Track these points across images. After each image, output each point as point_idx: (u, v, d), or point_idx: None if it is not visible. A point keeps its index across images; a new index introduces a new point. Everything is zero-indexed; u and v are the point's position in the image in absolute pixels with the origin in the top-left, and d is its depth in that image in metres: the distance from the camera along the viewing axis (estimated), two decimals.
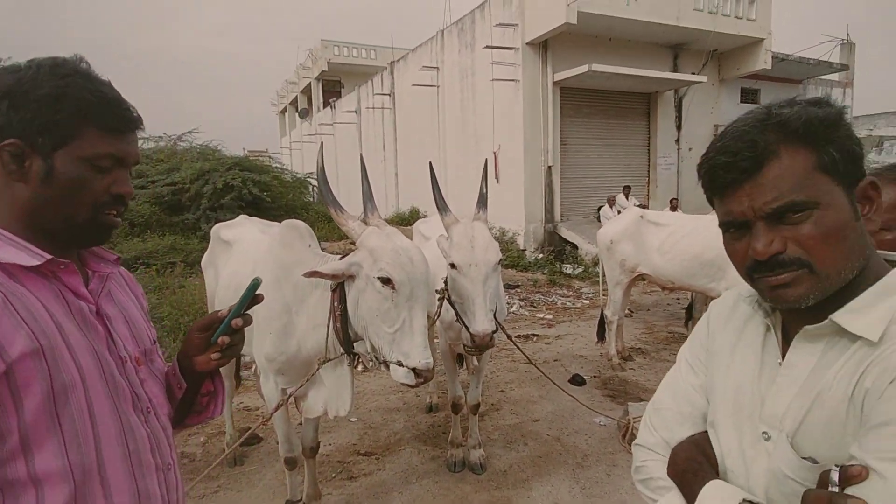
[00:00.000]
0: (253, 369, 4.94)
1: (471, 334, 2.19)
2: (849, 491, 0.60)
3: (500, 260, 2.26)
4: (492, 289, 2.19)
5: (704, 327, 0.91)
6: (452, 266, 2.24)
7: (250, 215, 3.38)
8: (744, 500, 0.70)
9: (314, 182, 18.89)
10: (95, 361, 0.81)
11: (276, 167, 15.48)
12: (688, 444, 0.83)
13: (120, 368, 0.85)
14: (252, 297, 0.95)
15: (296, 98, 26.92)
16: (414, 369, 1.72)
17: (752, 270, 0.72)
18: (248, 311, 0.97)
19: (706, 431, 0.84)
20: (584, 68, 9.56)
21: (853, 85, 15.73)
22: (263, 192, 11.41)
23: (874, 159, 17.48)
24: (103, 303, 0.89)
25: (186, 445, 3.50)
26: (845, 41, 14.86)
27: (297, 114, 26.37)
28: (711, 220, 2.50)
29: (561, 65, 10.23)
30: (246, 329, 2.56)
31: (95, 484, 0.79)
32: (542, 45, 10.24)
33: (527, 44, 10.12)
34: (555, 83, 10.36)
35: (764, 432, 0.74)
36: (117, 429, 0.83)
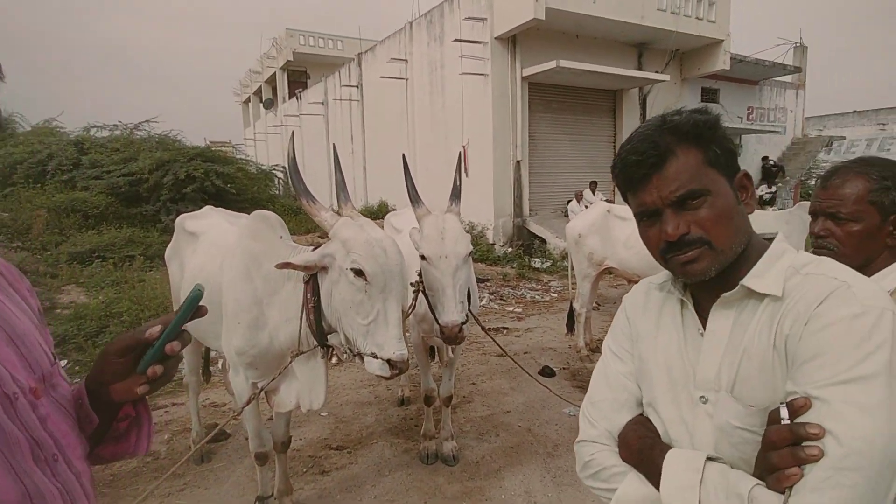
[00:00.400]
0: (219, 364, 4.82)
1: (440, 325, 2.19)
2: (799, 420, 0.68)
3: (471, 252, 2.27)
4: (462, 280, 2.19)
5: (623, 318, 1.00)
6: (423, 258, 2.23)
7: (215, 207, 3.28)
8: (708, 457, 0.76)
9: (280, 174, 18.54)
10: None
11: (241, 158, 15.08)
12: (634, 426, 0.89)
13: (9, 411, 0.64)
14: (194, 309, 0.77)
15: (260, 88, 26.19)
16: (389, 361, 1.71)
17: (665, 252, 0.84)
18: (187, 324, 0.78)
19: (643, 416, 0.91)
20: (552, 64, 9.66)
21: (805, 87, 16.46)
22: (227, 184, 11.12)
23: (824, 158, 18.38)
24: None
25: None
26: (798, 44, 15.53)
27: (261, 104, 25.70)
28: None
29: (529, 60, 10.31)
30: (211, 323, 2.48)
31: None
32: (511, 40, 10.28)
33: (496, 38, 10.15)
34: (523, 78, 10.43)
35: (701, 396, 0.82)
36: (17, 495, 0.63)
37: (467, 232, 2.34)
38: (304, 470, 3.01)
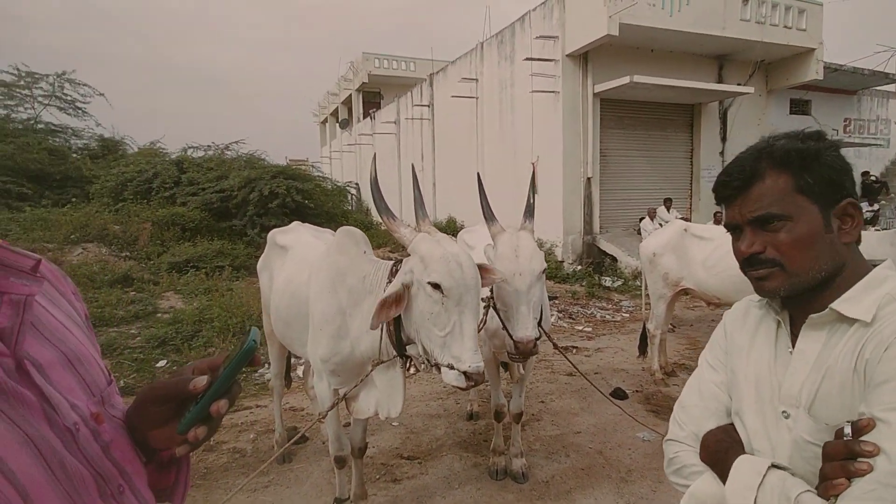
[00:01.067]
0: (298, 371, 5.11)
1: (514, 341, 2.23)
2: (861, 439, 0.71)
3: (544, 270, 2.30)
4: (535, 297, 2.23)
5: (721, 332, 1.06)
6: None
7: (291, 221, 3.52)
8: (772, 464, 0.81)
9: (353, 191, 19.36)
10: (32, 455, 0.52)
11: (318, 176, 15.93)
12: (717, 431, 0.95)
13: (70, 446, 0.57)
14: (248, 361, 0.66)
15: (336, 109, 27.63)
16: (465, 372, 1.77)
17: (744, 265, 0.91)
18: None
19: (731, 423, 0.96)
20: (625, 80, 9.48)
21: None
22: (306, 200, 11.79)
23: None
24: (28, 345, 0.57)
25: (238, 441, 3.65)
26: None
27: (337, 124, 27.05)
28: None
29: (602, 76, 10.18)
30: (299, 331, 2.61)
31: None
32: (583, 57, 10.22)
33: (567, 55, 10.12)
34: (595, 94, 10.31)
35: (784, 411, 0.86)
36: None
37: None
38: (378, 477, 3.13)
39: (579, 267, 10.34)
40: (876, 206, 12.88)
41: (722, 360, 1.03)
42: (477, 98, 13.28)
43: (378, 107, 22.60)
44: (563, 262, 10.49)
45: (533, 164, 11.34)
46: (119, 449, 0.64)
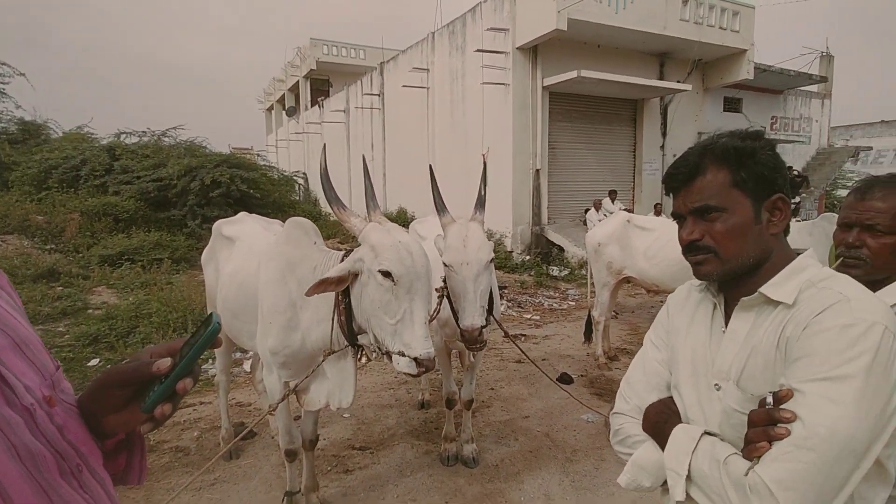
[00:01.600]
0: (244, 365, 4.96)
1: (461, 329, 2.27)
2: (781, 408, 0.80)
3: (492, 259, 2.35)
4: (483, 286, 2.27)
5: (665, 313, 1.15)
6: (445, 265, 2.32)
7: (237, 212, 3.41)
8: (705, 432, 0.90)
9: (301, 181, 18.86)
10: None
11: (264, 165, 15.41)
12: (657, 404, 1.03)
13: (30, 425, 0.58)
14: (211, 343, 0.69)
15: (283, 96, 26.74)
16: (416, 359, 1.79)
17: (685, 251, 1.00)
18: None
19: (671, 396, 1.04)
20: (573, 74, 9.72)
21: (832, 96, 16.20)
22: (252, 190, 11.38)
23: (850, 169, 18.03)
24: None
25: (180, 440, 3.52)
26: (825, 53, 15.32)
27: (284, 112, 26.21)
28: None
29: (551, 70, 10.39)
30: (246, 323, 2.59)
31: None
32: (533, 51, 10.38)
33: (517, 48, 10.25)
34: (544, 88, 10.51)
35: (716, 384, 0.95)
36: None
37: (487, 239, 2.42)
38: (329, 468, 3.10)
39: (528, 257, 10.58)
40: (797, 199, 13.88)
41: (664, 338, 1.11)
42: (428, 88, 13.23)
43: (327, 95, 22.08)
44: (512, 252, 10.69)
45: (483, 155, 11.47)
46: (72, 431, 0.65)
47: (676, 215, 1.02)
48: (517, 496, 2.80)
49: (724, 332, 0.97)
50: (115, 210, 10.23)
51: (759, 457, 0.78)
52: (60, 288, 7.25)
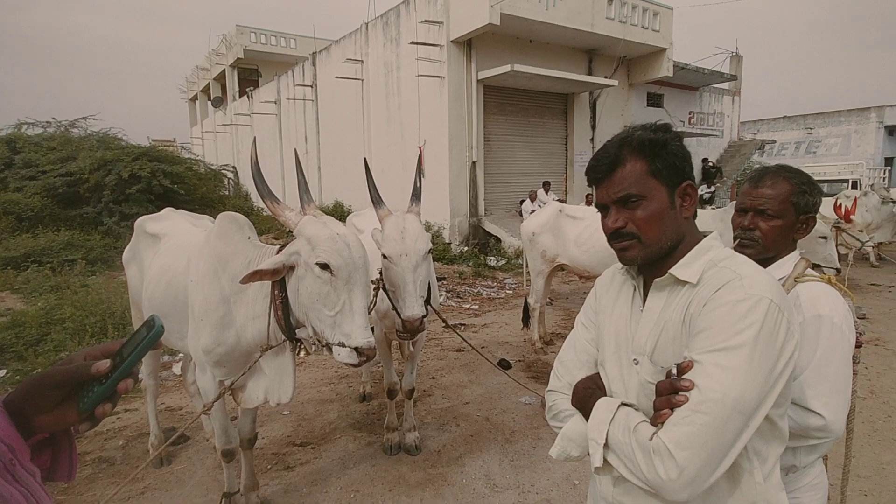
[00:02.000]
0: (173, 368, 4.73)
1: (402, 319, 2.30)
2: (682, 377, 0.89)
3: (430, 250, 2.39)
4: (422, 276, 2.31)
5: (593, 295, 1.22)
6: (385, 256, 2.34)
7: (160, 208, 3.24)
8: (622, 403, 0.98)
9: (230, 174, 18.03)
10: None
11: (189, 158, 14.60)
12: (585, 380, 1.11)
13: None
14: (154, 345, 0.70)
15: (208, 86, 25.33)
16: (357, 349, 1.80)
17: (610, 238, 1.06)
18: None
19: (598, 373, 1.12)
20: (506, 68, 9.92)
21: (741, 93, 17.55)
22: (175, 185, 10.78)
23: (757, 160, 19.63)
24: None
25: (104, 450, 3.31)
26: (734, 53, 16.56)
27: (209, 102, 24.85)
28: None
29: (485, 63, 10.54)
30: (176, 323, 2.52)
31: None
32: (467, 44, 10.48)
33: (451, 41, 10.32)
34: (479, 81, 10.65)
35: (634, 359, 1.02)
36: None
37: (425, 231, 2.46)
38: (269, 466, 3.04)
39: (466, 248, 10.73)
40: (713, 188, 14.98)
41: (592, 319, 1.18)
42: (363, 80, 13.03)
43: (256, 85, 21.17)
44: (450, 243, 10.81)
45: (420, 148, 11.48)
46: (2, 429, 0.65)
47: (600, 206, 1.07)
48: (459, 478, 2.88)
49: (642, 311, 1.04)
50: (17, 208, 9.37)
51: (663, 423, 0.86)
52: None
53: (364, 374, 4.10)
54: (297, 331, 2.01)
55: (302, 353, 2.55)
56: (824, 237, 3.98)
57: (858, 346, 1.26)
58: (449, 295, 7.78)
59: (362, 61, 12.94)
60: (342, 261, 1.81)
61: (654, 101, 14.47)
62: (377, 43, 12.41)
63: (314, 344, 1.96)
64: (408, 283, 2.25)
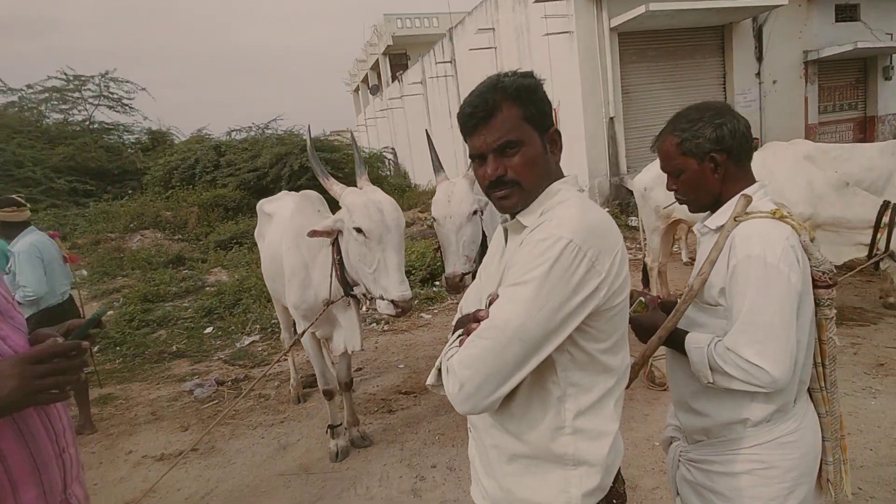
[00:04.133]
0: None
1: (444, 276, 2.50)
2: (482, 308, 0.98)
3: (476, 212, 2.49)
4: (466, 237, 2.45)
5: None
6: (434, 219, 2.54)
7: None
8: (461, 333, 1.00)
9: (390, 156, 19.64)
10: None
11: (348, 145, 16.29)
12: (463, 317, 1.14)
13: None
14: (93, 325, 1.01)
15: (366, 75, 27.69)
16: (393, 301, 2.07)
17: (489, 188, 1.05)
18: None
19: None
20: (640, 10, 9.03)
21: None
22: (338, 170, 12.21)
23: None
24: None
25: (264, 389, 4.18)
26: None
27: (368, 91, 27.18)
28: None
29: (617, 9, 9.72)
30: (281, 285, 3.19)
31: None
32: None
33: None
34: (612, 30, 9.89)
35: (488, 295, 1.04)
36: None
37: None
38: (376, 409, 3.54)
39: (607, 209, 10.24)
40: None
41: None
42: (495, 48, 13.02)
43: (405, 68, 22.46)
44: None
45: (555, 110, 11.15)
46: (14, 342, 0.94)
47: (475, 155, 1.05)
48: None
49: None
50: (223, 200, 11.62)
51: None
52: (185, 271, 8.56)
53: None
54: (354, 288, 2.36)
55: (364, 308, 2.91)
56: None
57: (826, 286, 1.11)
58: None
59: (493, 29, 12.91)
60: (373, 224, 2.08)
61: (847, 13, 11.70)
62: (506, 7, 12.24)
63: (366, 299, 2.30)
64: (451, 244, 2.43)
